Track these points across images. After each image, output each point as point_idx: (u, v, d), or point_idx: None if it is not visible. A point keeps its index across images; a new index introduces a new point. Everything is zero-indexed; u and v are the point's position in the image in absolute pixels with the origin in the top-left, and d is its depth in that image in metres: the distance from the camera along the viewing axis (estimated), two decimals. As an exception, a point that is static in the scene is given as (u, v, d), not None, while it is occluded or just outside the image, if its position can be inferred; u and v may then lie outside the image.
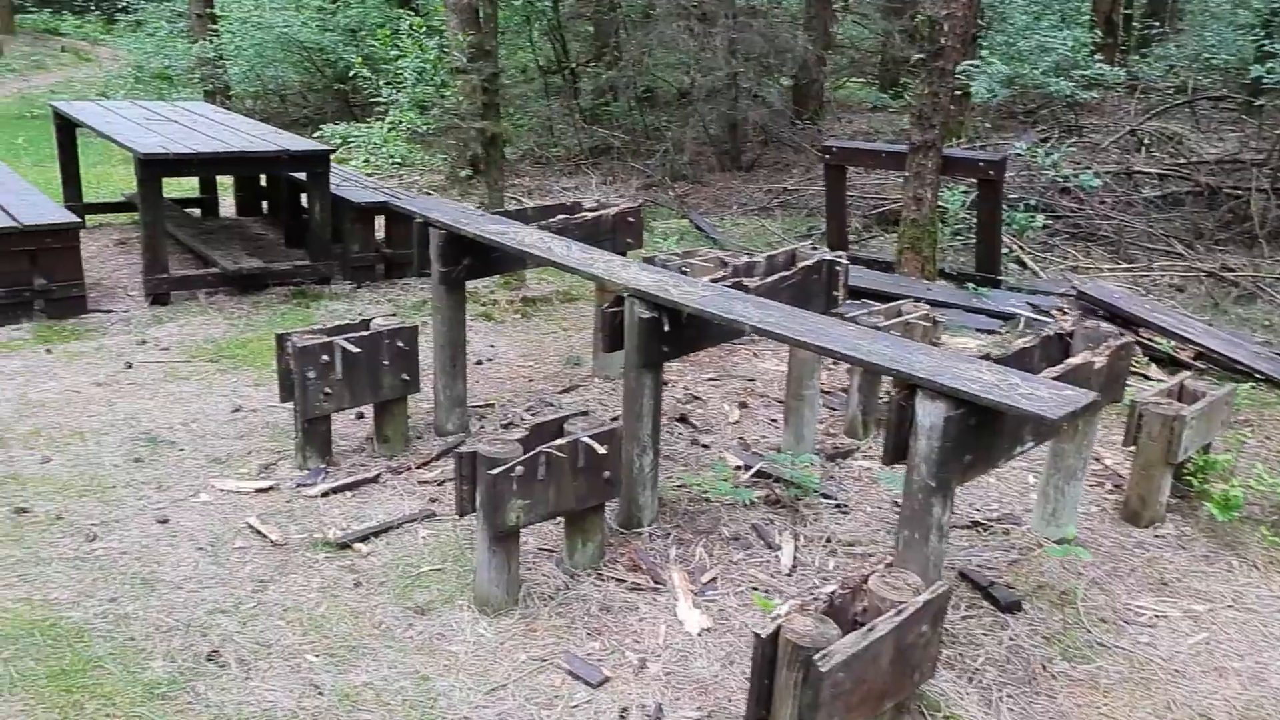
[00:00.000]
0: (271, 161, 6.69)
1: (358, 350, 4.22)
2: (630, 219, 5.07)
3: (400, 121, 10.83)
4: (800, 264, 4.22)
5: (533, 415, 4.91)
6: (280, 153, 6.58)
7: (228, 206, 9.04)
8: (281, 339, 4.27)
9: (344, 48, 13.35)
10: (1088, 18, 12.96)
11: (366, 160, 10.22)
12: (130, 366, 5.46)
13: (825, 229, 7.24)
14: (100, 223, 8.44)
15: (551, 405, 5.02)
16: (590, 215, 4.91)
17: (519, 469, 3.32)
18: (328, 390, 4.26)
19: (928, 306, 4.95)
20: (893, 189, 8.45)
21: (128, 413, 4.89)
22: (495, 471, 3.27)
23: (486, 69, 5.96)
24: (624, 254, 4.81)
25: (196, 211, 8.71)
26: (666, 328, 3.61)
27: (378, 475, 4.32)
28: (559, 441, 3.45)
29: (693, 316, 3.57)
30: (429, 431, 4.74)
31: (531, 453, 3.37)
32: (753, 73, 8.82)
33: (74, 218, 6.19)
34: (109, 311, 6.35)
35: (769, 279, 4.03)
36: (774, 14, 8.58)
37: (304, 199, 7.97)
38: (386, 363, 4.37)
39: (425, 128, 9.69)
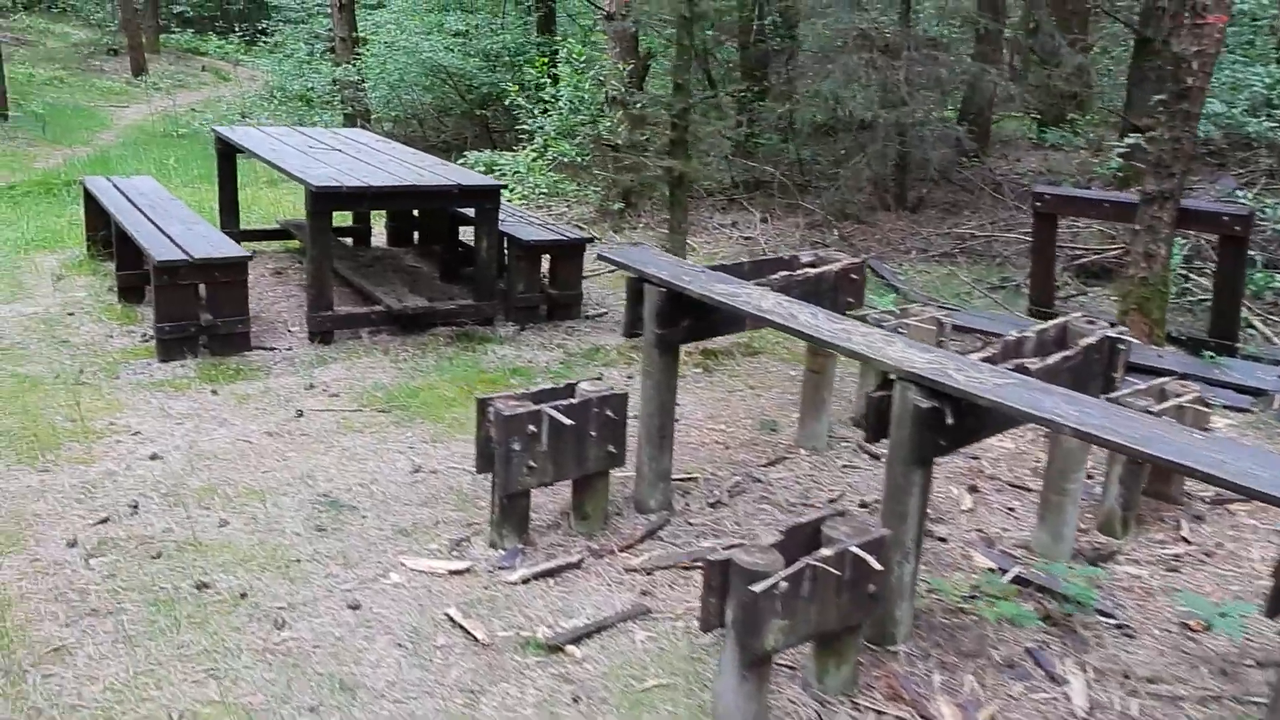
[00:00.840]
0: (443, 196, 6.35)
1: (571, 422, 3.77)
2: (853, 276, 4.54)
3: (547, 150, 10.53)
4: (1080, 342, 3.64)
5: (739, 492, 4.40)
6: (452, 187, 6.23)
7: (378, 236, 8.78)
8: (483, 405, 3.85)
9: (486, 73, 13.15)
10: (1276, 53, 12.02)
11: (511, 190, 9.92)
12: (301, 415, 5.12)
13: (1029, 282, 6.62)
14: (253, 250, 8.22)
15: (759, 481, 4.51)
16: (813, 272, 4.40)
17: (782, 585, 2.82)
18: (532, 464, 3.82)
19: (1196, 386, 4.31)
20: (1094, 238, 7.78)
21: (303, 469, 4.53)
22: (756, 588, 2.77)
23: (678, 103, 5.49)
24: (844, 313, 4.28)
25: (349, 241, 8.44)
26: (949, 420, 3.07)
27: (580, 560, 3.86)
28: (825, 553, 2.94)
29: (976, 406, 3.03)
30: (628, 506, 4.28)
31: (795, 566, 2.86)
32: (931, 107, 8.23)
33: (243, 251, 5.93)
34: (272, 349, 6.06)
35: (1050, 360, 3.46)
36: (957, 46, 7.98)
37: (463, 233, 7.66)
38: (594, 433, 3.92)
39: (578, 158, 9.32)
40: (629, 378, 5.74)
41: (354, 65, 13.95)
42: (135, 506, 4.12)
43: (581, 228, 8.98)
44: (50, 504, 4.11)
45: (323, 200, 5.92)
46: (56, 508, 4.09)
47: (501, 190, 6.44)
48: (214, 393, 5.40)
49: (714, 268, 4.27)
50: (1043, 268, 6.26)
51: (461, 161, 11.21)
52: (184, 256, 5.67)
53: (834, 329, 3.43)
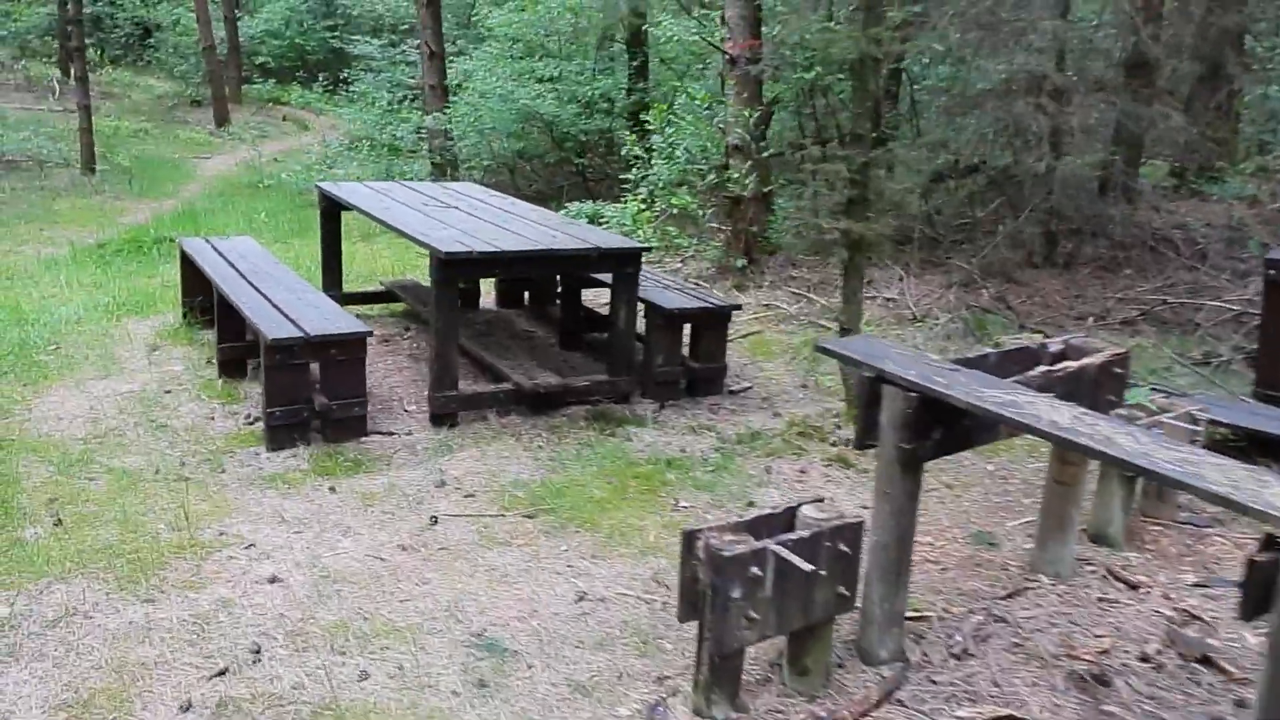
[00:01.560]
0: (581, 261, 5.63)
1: (810, 567, 2.98)
2: (1116, 369, 3.72)
3: (654, 201, 9.85)
4: None
5: (984, 637, 3.56)
6: (590, 251, 5.51)
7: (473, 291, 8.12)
8: (691, 539, 3.07)
9: (583, 120, 12.54)
10: None
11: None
12: (435, 522, 4.39)
13: (1254, 359, 5.73)
14: (356, 314, 7.59)
15: (1003, 620, 3.66)
16: (1073, 366, 3.58)
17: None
18: (753, 615, 3.03)
19: None
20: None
21: (448, 597, 3.79)
22: None
23: (858, 156, 4.72)
24: (1105, 413, 3.45)
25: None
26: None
27: (810, 734, 3.05)
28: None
29: None
30: (849, 655, 3.46)
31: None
32: (1093, 153, 7.39)
33: (362, 325, 5.25)
34: (390, 434, 5.36)
35: None
36: (1143, 91, 7.14)
37: (582, 295, 6.97)
38: (824, 572, 3.12)
39: (699, 210, 8.60)
40: (830, 485, 4.95)
41: (445, 114, 13.44)
42: (257, 651, 3.40)
43: (700, 283, 8.24)
44: (157, 648, 3.41)
45: (452, 268, 5.24)
46: (165, 653, 3.38)
47: (643, 253, 5.71)
48: (332, 490, 4.70)
49: (958, 361, 3.46)
50: (1276, 345, 5.38)
51: (564, 212, 10.57)
52: (298, 333, 5.01)
53: (1174, 460, 2.60)
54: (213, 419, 5.58)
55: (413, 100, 20.41)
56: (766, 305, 7.85)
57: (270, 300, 5.60)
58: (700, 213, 8.62)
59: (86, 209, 12.95)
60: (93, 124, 14.93)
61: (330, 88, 21.05)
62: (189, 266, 6.96)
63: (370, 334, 5.21)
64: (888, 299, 7.92)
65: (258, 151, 17.85)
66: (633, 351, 5.81)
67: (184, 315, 7.09)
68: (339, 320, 5.28)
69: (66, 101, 20.63)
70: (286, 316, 5.27)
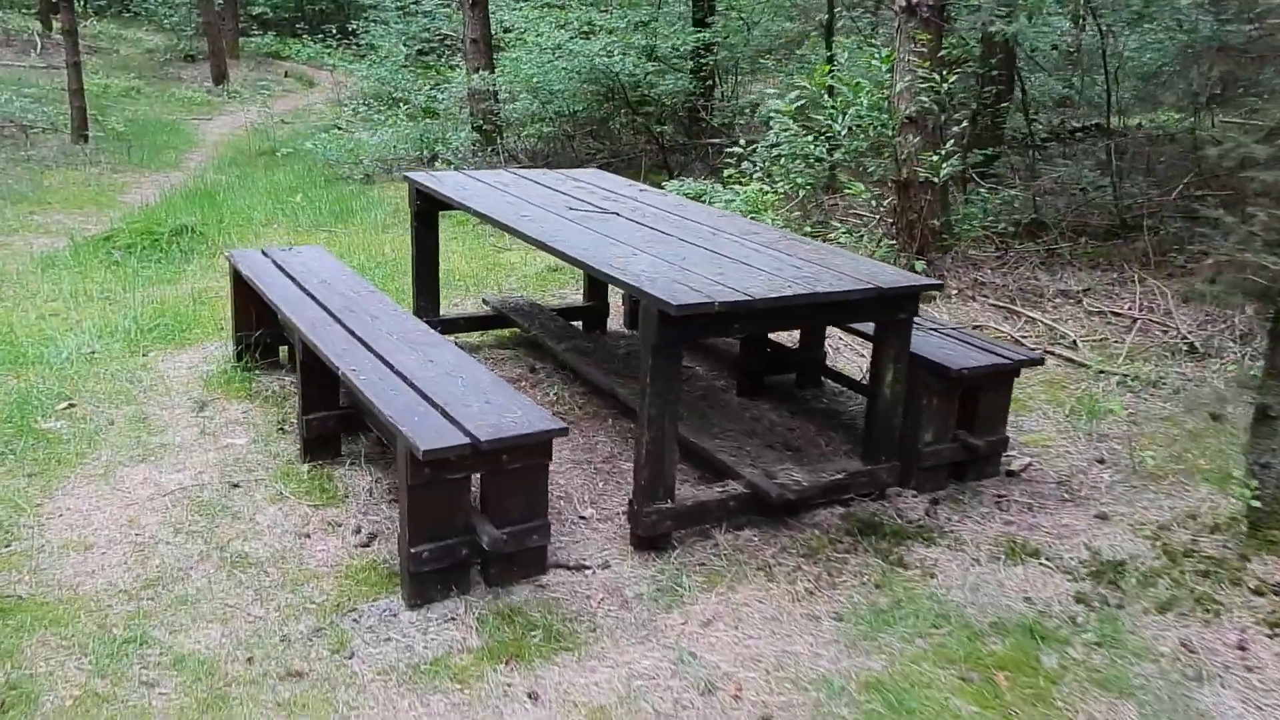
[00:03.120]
0: (849, 308, 3.76)
1: None
2: None
3: (777, 182, 7.96)
4: None
5: None
6: (869, 293, 3.65)
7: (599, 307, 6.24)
8: None
9: (664, 79, 10.54)
10: None
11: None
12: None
13: None
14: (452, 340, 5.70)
15: None
16: None
17: None
18: None
19: None
20: None
21: None
22: None
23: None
24: None
25: (578, 324, 5.92)
26: None
27: None
28: None
29: None
30: None
31: None
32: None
33: (549, 418, 3.37)
34: (577, 568, 3.54)
35: None
36: None
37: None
38: None
39: (862, 196, 6.72)
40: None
41: (492, 72, 11.40)
42: None
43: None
44: None
45: (680, 327, 3.37)
46: None
47: (923, 293, 3.87)
48: (533, 699, 2.89)
49: None
50: None
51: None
52: (462, 439, 3.14)
53: None
54: (308, 536, 3.74)
55: (438, 54, 18.29)
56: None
57: (391, 365, 3.73)
58: (869, 199, 6.72)
59: (82, 184, 10.90)
60: (83, 84, 12.78)
61: (341, 40, 18.80)
62: (244, 289, 5.05)
63: (565, 431, 3.34)
64: (1115, 314, 6.10)
65: (268, 112, 15.70)
66: (896, 429, 3.99)
67: (238, 355, 5.18)
68: (513, 409, 3.40)
69: (49, 57, 18.34)
70: (431, 402, 3.40)
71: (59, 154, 12.23)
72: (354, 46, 18.61)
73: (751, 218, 7.58)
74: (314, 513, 3.89)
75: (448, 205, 5.13)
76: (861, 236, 7.02)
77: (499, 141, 11.43)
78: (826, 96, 6.89)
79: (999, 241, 7.15)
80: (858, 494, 3.95)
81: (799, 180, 8.28)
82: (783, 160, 8.29)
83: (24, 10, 20.85)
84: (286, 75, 20.63)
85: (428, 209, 5.36)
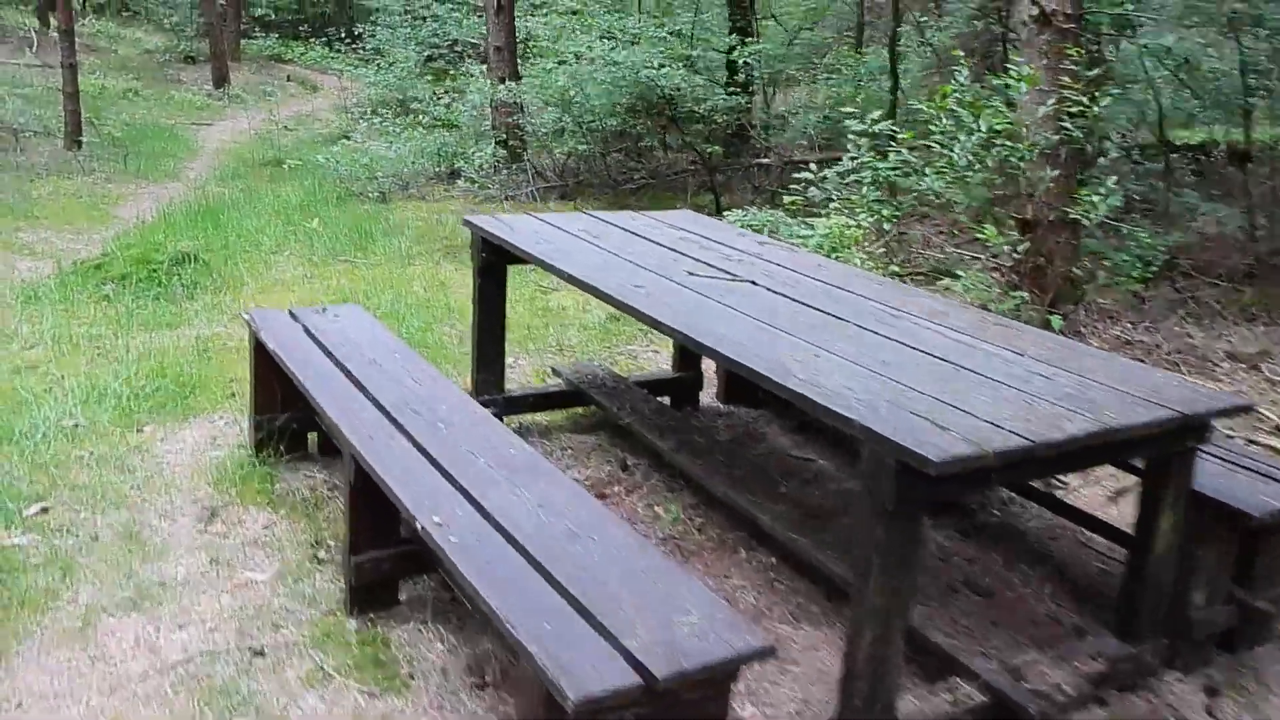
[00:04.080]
0: (1140, 442, 2.61)
1: None
2: None
3: (858, 214, 6.85)
4: None
5: None
6: (1171, 422, 2.51)
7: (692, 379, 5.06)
8: None
9: (713, 94, 9.37)
10: None
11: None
12: None
13: None
14: (517, 424, 4.53)
15: None
16: None
17: None
18: None
19: None
20: None
21: None
22: None
23: None
24: None
25: (664, 400, 4.75)
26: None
27: None
28: None
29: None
30: None
31: None
32: None
33: (751, 633, 2.19)
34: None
35: None
36: None
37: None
38: None
39: (995, 241, 5.55)
40: None
41: (518, 82, 10.21)
42: None
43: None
44: None
45: (933, 487, 2.22)
46: None
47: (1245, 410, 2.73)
48: None
49: None
50: None
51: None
52: (633, 679, 1.97)
53: None
54: (366, 743, 2.56)
55: (447, 60, 17.06)
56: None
57: (489, 515, 2.56)
58: (1002, 245, 5.56)
59: (73, 196, 9.65)
60: (79, 86, 11.49)
61: (349, 44, 17.53)
62: (267, 362, 3.86)
63: (771, 652, 2.18)
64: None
65: (273, 119, 14.46)
66: (1167, 595, 2.84)
67: (257, 445, 3.98)
68: (683, 603, 2.22)
69: (45, 55, 16.98)
70: (563, 591, 2.23)
71: (50, 161, 10.96)
72: (360, 51, 17.34)
73: (836, 257, 6.45)
74: (369, 704, 2.72)
75: (521, 259, 3.96)
76: (990, 288, 5.87)
77: (525, 158, 10.24)
78: (940, 119, 5.74)
79: (1133, 288, 6.03)
80: (1118, 685, 2.81)
81: (884, 212, 7.16)
82: (864, 189, 7.17)
83: (21, 6, 19.48)
84: (289, 79, 19.34)
85: (495, 262, 4.17)
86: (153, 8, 20.72)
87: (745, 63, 9.51)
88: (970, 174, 5.67)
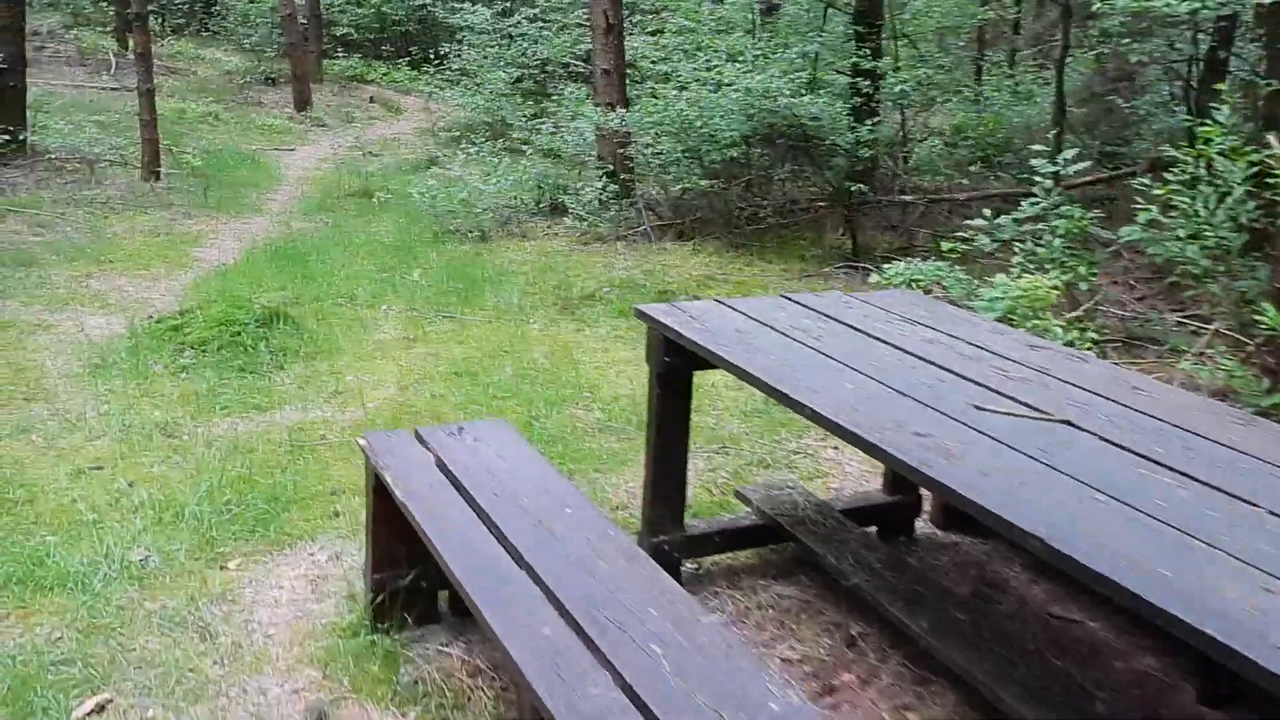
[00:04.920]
0: None
1: None
2: None
3: (1052, 272, 5.86)
4: None
5: None
6: None
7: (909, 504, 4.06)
8: None
9: (869, 126, 8.34)
10: None
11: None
12: None
13: None
14: (702, 567, 3.57)
15: None
16: None
17: None
18: None
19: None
20: None
21: None
22: None
23: None
24: None
25: (870, 529, 3.75)
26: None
27: None
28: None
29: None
30: None
31: None
32: None
33: None
34: None
35: None
36: None
37: None
38: None
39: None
40: None
41: (627, 109, 9.33)
42: None
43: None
44: None
45: None
46: None
47: None
48: None
49: None
50: None
51: (886, 280, 6.52)
52: None
53: None
54: None
55: (535, 81, 16.33)
56: None
57: None
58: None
59: (149, 234, 9.00)
60: (157, 114, 10.90)
61: (436, 65, 16.87)
62: (387, 506, 2.96)
63: None
64: None
65: (360, 145, 13.83)
66: None
67: (375, 611, 3.08)
68: None
69: (122, 77, 16.64)
70: None
71: (127, 194, 10.38)
72: (446, 71, 16.68)
73: (1033, 326, 5.42)
74: None
75: (710, 363, 3.01)
76: (1245, 376, 4.76)
77: (637, 192, 9.34)
78: (1190, 165, 4.67)
79: None
80: None
81: (1079, 269, 6.12)
82: (1054, 240, 6.14)
83: (99, 27, 19.23)
84: (371, 101, 18.77)
85: (680, 367, 3.22)
86: (232, 28, 20.33)
87: (876, 87, 8.49)
88: (1222, 234, 4.59)
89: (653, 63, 10.43)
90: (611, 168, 9.75)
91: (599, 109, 9.54)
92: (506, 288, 7.21)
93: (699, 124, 8.03)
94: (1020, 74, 10.07)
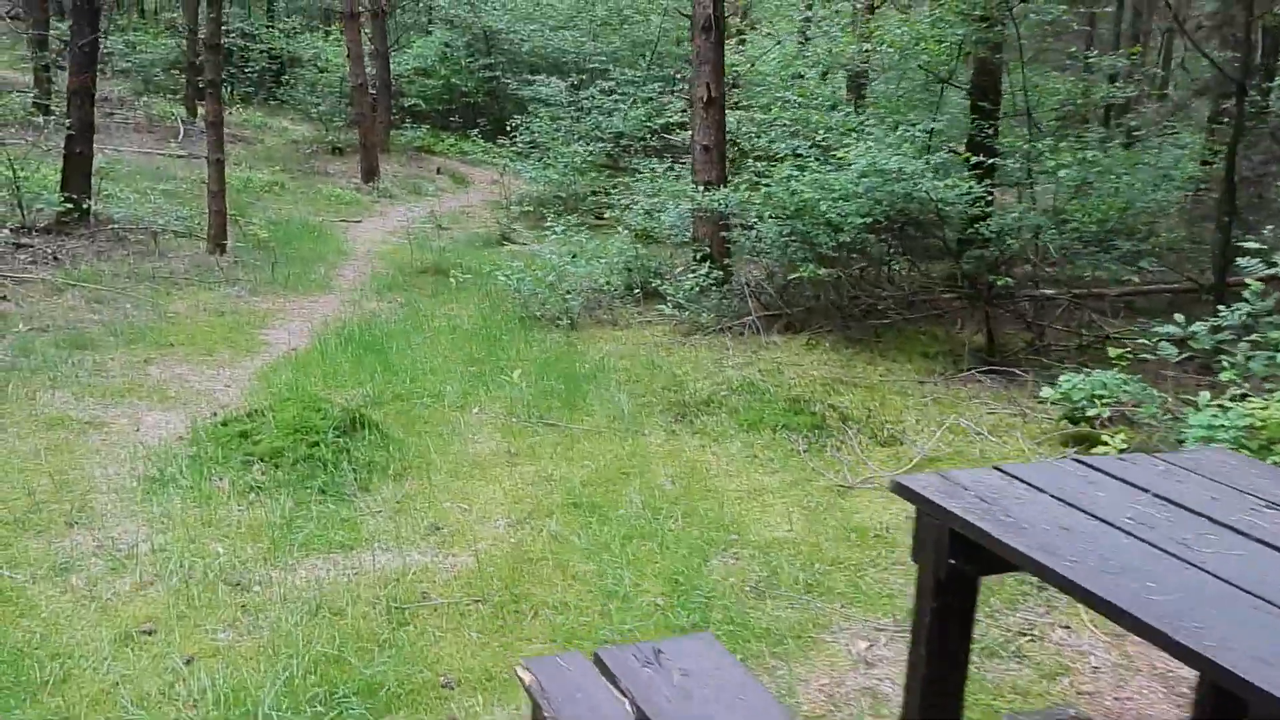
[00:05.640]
0: None
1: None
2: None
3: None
4: None
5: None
6: None
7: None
8: None
9: (1017, 213, 7.41)
10: None
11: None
12: None
13: None
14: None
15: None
16: None
17: None
18: None
19: None
20: None
21: None
22: None
23: None
24: None
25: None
26: None
27: None
28: None
29: None
30: None
31: None
32: None
33: None
34: None
35: None
36: None
37: None
38: None
39: None
40: None
41: (726, 187, 8.49)
42: None
43: None
44: None
45: None
46: None
47: None
48: None
49: None
50: None
51: (1057, 394, 5.55)
52: None
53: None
54: None
55: (609, 155, 15.68)
56: None
57: None
58: None
59: (215, 313, 8.26)
60: (226, 185, 10.28)
61: (509, 136, 16.27)
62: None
63: None
64: None
65: (435, 219, 13.19)
66: None
67: None
68: None
69: (191, 145, 16.24)
70: None
71: (191, 268, 9.69)
72: (516, 143, 16.10)
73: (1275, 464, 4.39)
74: None
75: (1010, 563, 2.06)
76: None
77: (740, 278, 8.47)
78: None
79: None
80: None
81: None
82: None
83: (169, 94, 18.97)
84: (439, 172, 18.25)
85: (971, 573, 2.26)
86: (300, 97, 20.02)
87: (993, 167, 7.56)
88: None
89: (754, 138, 9.62)
90: (709, 250, 8.92)
91: (697, 187, 8.72)
92: (610, 388, 6.32)
93: (822, 206, 7.14)
94: (1153, 152, 9.13)
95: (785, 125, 9.72)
